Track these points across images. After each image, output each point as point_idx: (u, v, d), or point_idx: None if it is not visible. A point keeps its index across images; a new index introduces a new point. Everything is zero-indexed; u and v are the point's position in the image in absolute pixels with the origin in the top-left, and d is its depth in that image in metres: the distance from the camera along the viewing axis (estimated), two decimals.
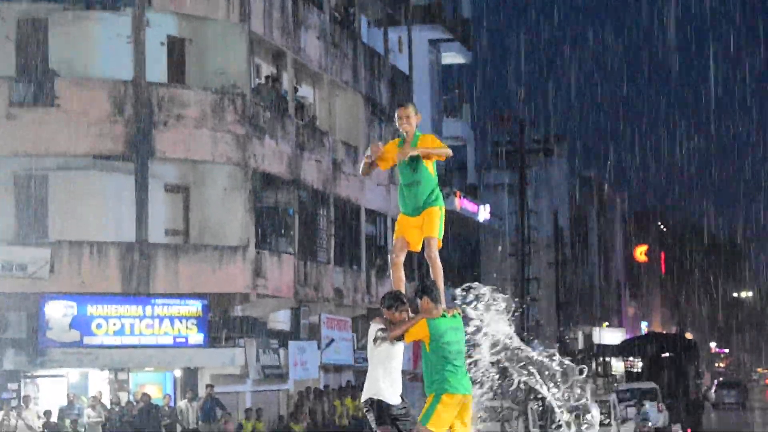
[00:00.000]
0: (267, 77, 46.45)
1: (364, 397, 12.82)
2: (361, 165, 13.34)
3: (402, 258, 12.94)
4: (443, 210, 12.76)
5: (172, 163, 42.56)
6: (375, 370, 12.57)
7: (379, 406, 12.53)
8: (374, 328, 12.47)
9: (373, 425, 12.82)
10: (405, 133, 12.61)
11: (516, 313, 51.32)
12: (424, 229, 12.62)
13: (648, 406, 55.56)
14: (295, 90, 48.53)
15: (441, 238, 12.76)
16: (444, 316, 12.34)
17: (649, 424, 53.09)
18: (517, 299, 58.97)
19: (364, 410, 13.02)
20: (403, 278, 12.95)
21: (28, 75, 40.98)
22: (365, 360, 13.34)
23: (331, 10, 51.55)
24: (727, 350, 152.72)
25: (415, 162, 12.49)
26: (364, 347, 13.71)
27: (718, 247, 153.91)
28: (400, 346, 12.50)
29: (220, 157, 42.96)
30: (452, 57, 73.36)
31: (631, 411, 52.06)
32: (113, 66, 41.66)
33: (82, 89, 41.16)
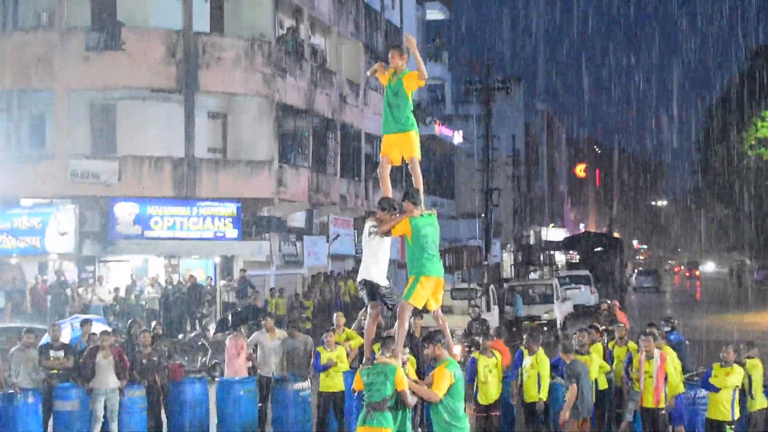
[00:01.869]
0: (288, 29, 46.33)
1: (358, 279, 13.17)
2: (369, 72, 13.73)
3: (387, 171, 13.23)
4: (418, 133, 13.09)
5: (213, 95, 42.52)
6: (367, 258, 12.98)
7: (371, 286, 12.88)
8: (368, 225, 12.85)
9: (366, 301, 13.21)
10: (396, 67, 12.99)
11: (482, 216, 51.43)
12: (405, 151, 12.97)
13: (583, 289, 55.86)
14: (310, 38, 48.41)
15: (419, 155, 13.09)
16: (422, 215, 12.64)
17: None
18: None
19: (358, 289, 13.37)
20: (390, 186, 13.29)
21: (100, 25, 40.87)
22: (362, 251, 13.68)
23: None
24: (645, 246, 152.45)
25: (396, 87, 12.86)
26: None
27: (639, 165, 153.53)
28: (388, 240, 12.83)
29: (250, 91, 42.91)
30: (435, 14, 72.82)
31: (570, 293, 52.31)
32: (167, 18, 41.50)
33: (143, 37, 41.07)
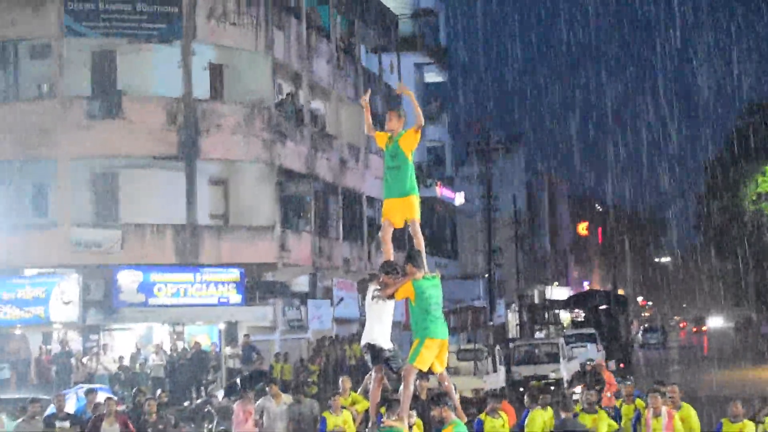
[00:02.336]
0: (287, 94, 46.58)
1: (362, 342, 13.16)
2: (365, 125, 13.72)
3: (389, 235, 13.26)
4: (418, 196, 13.11)
5: (213, 161, 42.64)
6: (371, 322, 12.96)
7: (375, 350, 12.88)
8: (371, 288, 12.85)
9: (370, 365, 13.18)
10: (392, 130, 13.04)
11: (486, 276, 51.56)
12: (406, 214, 12.99)
13: (589, 347, 55.67)
14: (309, 103, 48.63)
15: (419, 217, 13.11)
16: (425, 277, 12.63)
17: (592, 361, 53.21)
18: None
19: (364, 351, 13.35)
20: (391, 250, 13.28)
21: (100, 94, 41.08)
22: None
23: (337, 40, 51.58)
24: (650, 303, 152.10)
25: (394, 149, 12.90)
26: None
27: (643, 223, 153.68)
28: (391, 303, 12.79)
29: (251, 156, 43.05)
30: (433, 76, 73.14)
31: (576, 351, 52.18)
32: (167, 85, 41.70)
33: (143, 104, 41.25)
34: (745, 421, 16.78)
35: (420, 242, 13.05)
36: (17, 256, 39.56)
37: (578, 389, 20.38)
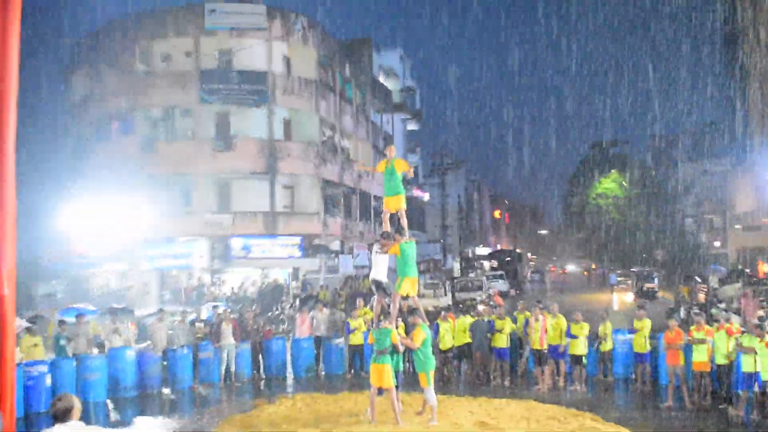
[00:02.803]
0: (327, 136, 46.59)
1: (370, 278, 13.41)
2: (370, 169, 13.99)
3: (387, 217, 13.54)
4: (404, 194, 13.29)
5: (285, 175, 42.69)
6: (375, 266, 13.19)
7: (377, 283, 13.09)
8: (376, 247, 13.12)
9: (375, 291, 13.36)
10: (388, 158, 13.22)
11: (441, 241, 50.81)
12: (397, 205, 13.17)
13: (500, 282, 55.76)
14: (340, 141, 48.63)
15: (405, 207, 13.29)
16: (406, 242, 12.85)
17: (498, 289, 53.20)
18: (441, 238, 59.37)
19: (371, 284, 13.53)
20: (389, 224, 13.48)
21: (221, 137, 41.14)
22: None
23: (357, 106, 51.57)
24: (535, 257, 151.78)
25: (391, 168, 13.05)
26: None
27: (531, 209, 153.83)
28: (386, 256, 13.02)
29: (307, 172, 43.05)
30: (412, 126, 73.12)
31: (493, 284, 52.21)
32: (259, 131, 41.73)
33: (245, 142, 41.25)
34: (583, 323, 16.98)
35: (404, 221, 13.26)
36: (174, 229, 39.80)
37: (482, 307, 20.46)
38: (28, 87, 53.52)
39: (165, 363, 18.33)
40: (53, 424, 5.59)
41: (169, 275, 40.93)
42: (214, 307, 22.85)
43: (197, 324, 19.57)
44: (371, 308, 19.59)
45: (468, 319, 18.83)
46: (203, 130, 41.06)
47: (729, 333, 14.00)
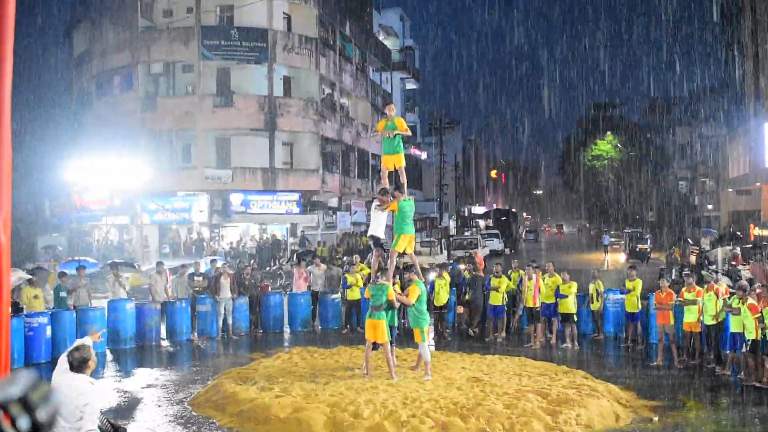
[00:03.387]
0: (327, 94, 46.36)
1: (368, 234, 13.36)
2: (374, 133, 13.79)
3: (386, 174, 13.44)
4: (403, 153, 13.19)
5: (285, 132, 42.62)
6: (373, 223, 13.13)
7: (375, 239, 13.05)
8: (375, 203, 13.08)
9: (372, 247, 13.31)
10: (389, 117, 13.08)
11: (438, 199, 50.92)
12: (396, 164, 13.07)
13: (495, 240, 55.83)
14: (340, 99, 48.39)
15: (404, 165, 13.19)
16: (405, 199, 12.83)
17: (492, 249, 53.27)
18: (438, 198, 59.28)
19: (369, 240, 13.48)
20: (387, 181, 13.40)
21: (221, 93, 40.91)
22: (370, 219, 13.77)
23: (356, 64, 51.22)
24: (530, 216, 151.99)
25: (392, 126, 12.92)
26: (370, 214, 14.18)
27: (527, 169, 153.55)
28: (385, 213, 12.96)
29: (306, 129, 43.02)
30: (411, 85, 72.74)
31: (488, 242, 52.31)
32: (259, 88, 41.58)
33: (245, 99, 41.12)
34: (572, 282, 17.00)
35: (403, 179, 13.20)
36: (174, 184, 39.80)
37: (462, 266, 20.38)
38: (29, 42, 52.97)
39: (164, 316, 18.38)
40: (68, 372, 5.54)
41: (168, 229, 40.94)
42: (212, 261, 22.79)
43: (196, 278, 19.52)
44: (368, 264, 19.58)
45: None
46: (204, 87, 40.81)
47: (717, 294, 14.01)
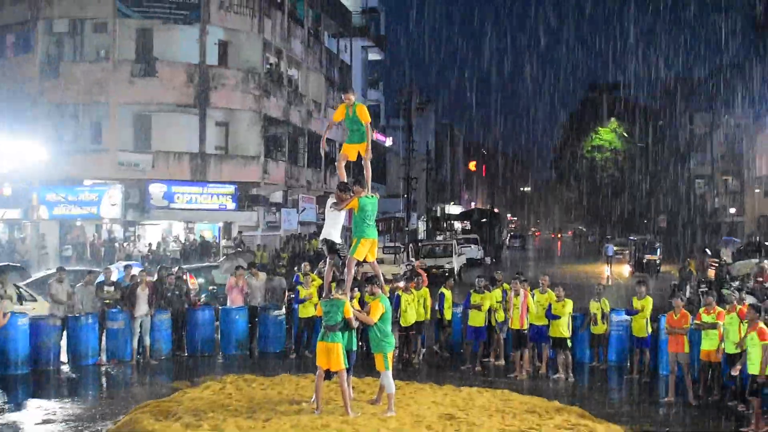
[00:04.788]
0: (272, 64, 46.16)
1: (321, 238, 13.33)
2: (325, 131, 13.78)
3: (343, 164, 13.45)
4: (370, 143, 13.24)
5: (219, 110, 42.38)
6: (328, 224, 13.08)
7: (330, 243, 13.01)
8: (330, 200, 13.03)
9: (326, 253, 13.30)
10: (348, 103, 13.08)
11: (405, 195, 51.26)
12: (362, 152, 13.07)
13: (473, 247, 56.12)
14: (287, 71, 48.30)
15: (371, 156, 13.21)
16: (367, 196, 12.84)
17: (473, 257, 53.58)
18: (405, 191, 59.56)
19: (321, 246, 13.45)
20: (345, 174, 13.42)
21: (141, 59, 40.57)
22: (322, 219, 13.78)
23: (308, 28, 51.10)
24: (516, 218, 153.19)
25: (354, 115, 12.92)
26: (322, 212, 14.23)
27: (512, 161, 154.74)
28: (343, 212, 12.97)
29: (245, 107, 42.81)
30: (374, 55, 72.67)
31: (464, 249, 52.54)
32: (188, 55, 41.31)
33: (171, 67, 40.81)
34: (566, 300, 17.13)
35: (369, 172, 13.20)
36: (79, 170, 39.42)
37: (402, 284, 20.12)
38: None
39: (65, 333, 18.14)
40: None
41: (72, 226, 40.51)
42: (127, 267, 22.55)
43: (106, 287, 19.31)
44: (320, 275, 19.58)
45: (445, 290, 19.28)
46: (120, 51, 40.44)
47: (741, 316, 14.04)
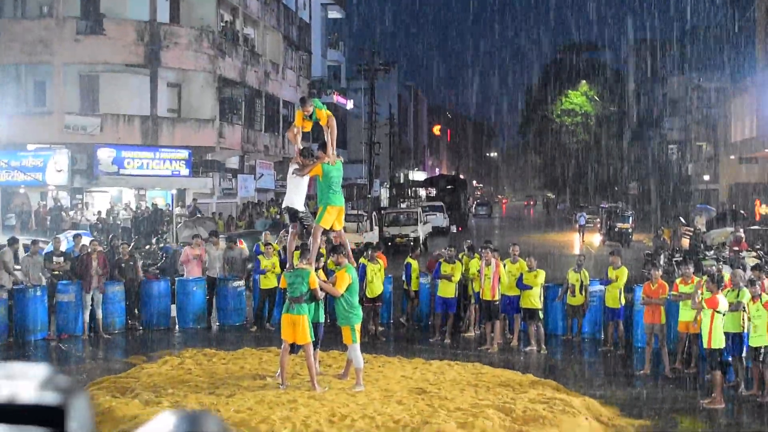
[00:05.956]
0: (227, 21, 45.80)
1: (283, 205, 13.37)
2: (291, 134, 13.65)
3: (296, 132, 13.25)
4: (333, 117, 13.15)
5: (171, 70, 42.01)
6: (290, 191, 13.10)
7: (293, 211, 13.02)
8: (292, 167, 13.02)
9: (288, 222, 13.31)
10: (306, 113, 12.98)
11: (367, 161, 51.26)
12: (322, 122, 13.03)
13: (438, 215, 56.26)
14: (243, 29, 47.92)
15: (333, 124, 13.15)
16: (335, 162, 12.85)
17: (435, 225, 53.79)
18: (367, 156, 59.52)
19: (283, 213, 13.47)
20: (299, 142, 13.26)
21: (87, 16, 40.09)
22: (282, 186, 13.77)
23: None
24: (482, 185, 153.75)
25: (316, 119, 12.92)
26: (282, 179, 14.19)
27: (478, 126, 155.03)
28: (306, 178, 12.98)
29: (199, 67, 42.49)
30: (334, 14, 72.28)
31: (429, 218, 52.63)
32: (137, 11, 40.83)
33: (120, 25, 40.37)
34: (538, 270, 17.28)
35: (333, 136, 13.11)
36: (22, 134, 38.97)
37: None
38: None
39: (11, 306, 18.01)
40: None
41: (15, 194, 40.11)
42: (76, 236, 22.36)
43: (55, 258, 19.17)
44: (279, 243, 19.61)
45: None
46: (64, 7, 39.92)
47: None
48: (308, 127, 13.37)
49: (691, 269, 15.62)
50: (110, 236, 24.60)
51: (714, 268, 15.69)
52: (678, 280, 15.50)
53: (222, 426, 1.40)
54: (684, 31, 74.18)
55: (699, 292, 13.32)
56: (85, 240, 21.28)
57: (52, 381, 1.33)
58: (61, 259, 19.29)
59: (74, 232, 27.41)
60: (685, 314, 14.68)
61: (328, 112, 13.18)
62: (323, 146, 12.93)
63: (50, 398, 1.29)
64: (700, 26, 69.63)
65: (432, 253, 23.82)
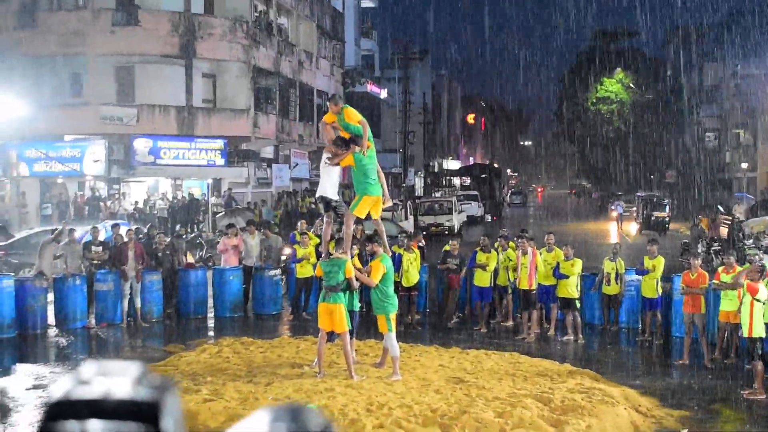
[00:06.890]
0: (261, 11, 45.86)
1: (317, 195, 13.36)
2: (326, 134, 13.54)
3: (329, 128, 13.17)
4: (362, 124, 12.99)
5: (206, 60, 42.19)
6: (323, 180, 13.08)
7: (326, 201, 13.02)
8: (325, 155, 12.99)
9: (323, 211, 13.32)
10: (335, 111, 12.84)
11: (401, 150, 51.41)
12: (352, 119, 12.91)
13: (473, 204, 56.13)
14: (277, 19, 48.01)
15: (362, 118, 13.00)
16: (367, 152, 12.78)
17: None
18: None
19: (318, 203, 13.47)
20: (333, 136, 13.19)
21: (122, 7, 40.31)
22: (316, 175, 13.73)
23: None
24: (516, 173, 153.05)
25: (345, 125, 12.77)
26: (317, 168, 14.16)
27: (512, 115, 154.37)
28: (337, 167, 12.96)
29: (233, 57, 42.64)
30: (367, 2, 72.26)
31: (464, 207, 52.50)
32: (173, 2, 41.06)
33: (155, 16, 40.57)
34: (575, 259, 17.15)
35: (366, 128, 12.95)
36: (60, 126, 39.32)
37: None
38: None
39: (52, 296, 18.16)
40: None
41: (53, 184, 40.46)
42: (114, 226, 22.49)
43: (93, 248, 19.29)
44: (316, 233, 19.62)
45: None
46: None
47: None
48: (330, 118, 13.22)
49: (734, 258, 15.47)
50: (147, 226, 24.73)
51: (757, 257, 15.47)
52: (720, 269, 15.34)
53: (323, 420, 1.41)
54: (721, 17, 73.34)
55: (743, 278, 13.17)
56: (123, 230, 21.42)
57: (145, 378, 1.38)
58: (100, 248, 19.40)
59: (112, 221, 27.62)
60: (726, 304, 14.50)
61: (362, 119, 12.98)
62: (355, 137, 12.87)
63: (144, 394, 1.33)
64: (738, 12, 68.81)
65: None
